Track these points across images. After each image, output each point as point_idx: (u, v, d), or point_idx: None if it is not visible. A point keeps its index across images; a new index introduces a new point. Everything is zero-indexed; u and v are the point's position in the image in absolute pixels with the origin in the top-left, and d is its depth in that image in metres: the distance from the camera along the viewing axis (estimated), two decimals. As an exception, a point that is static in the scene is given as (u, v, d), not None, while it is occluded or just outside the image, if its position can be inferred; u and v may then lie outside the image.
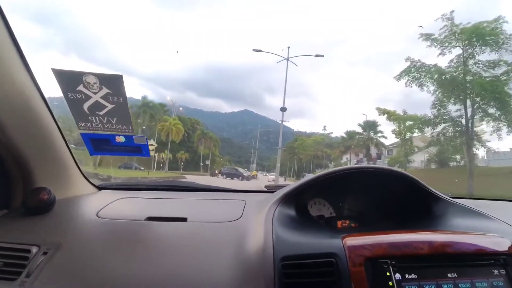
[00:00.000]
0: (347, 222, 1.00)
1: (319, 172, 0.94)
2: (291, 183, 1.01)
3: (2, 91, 0.69)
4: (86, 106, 0.78)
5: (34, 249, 0.68)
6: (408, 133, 19.78)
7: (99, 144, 0.89)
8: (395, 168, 0.97)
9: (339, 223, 0.99)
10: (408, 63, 13.94)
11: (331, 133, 43.74)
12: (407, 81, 14.18)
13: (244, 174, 25.99)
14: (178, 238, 0.76)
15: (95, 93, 0.75)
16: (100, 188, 1.16)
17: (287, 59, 20.05)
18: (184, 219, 0.85)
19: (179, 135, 30.31)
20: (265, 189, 1.24)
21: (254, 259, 0.65)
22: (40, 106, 0.81)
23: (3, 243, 0.69)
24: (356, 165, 0.91)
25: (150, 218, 0.85)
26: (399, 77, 14.41)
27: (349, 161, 32.48)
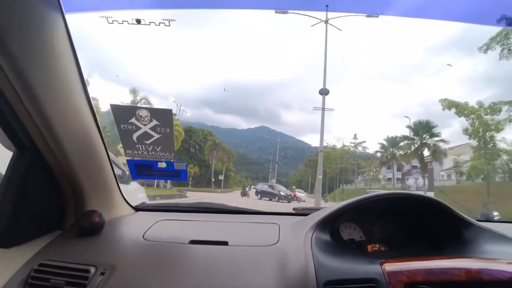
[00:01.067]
0: (377, 246, 1.02)
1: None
2: (326, 206, 1.05)
3: (68, 124, 0.79)
4: (135, 136, 0.87)
5: (92, 269, 0.74)
6: (490, 132, 14.29)
7: (142, 169, 0.98)
8: (424, 194, 0.99)
9: (369, 247, 1.02)
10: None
11: (364, 141, 38.22)
12: (503, 50, 10.53)
13: (282, 193, 19.39)
14: (221, 262, 0.79)
15: (145, 125, 0.84)
16: (137, 209, 1.23)
17: (326, 22, 16.54)
18: (225, 243, 0.89)
19: (178, 141, 26.66)
20: (295, 212, 1.27)
21: (296, 283, 0.68)
22: (95, 135, 0.90)
23: (63, 262, 0.76)
24: (388, 192, 0.95)
25: (193, 241, 0.90)
26: (486, 48, 11.14)
27: (393, 174, 27.75)
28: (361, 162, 35.31)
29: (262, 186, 21.80)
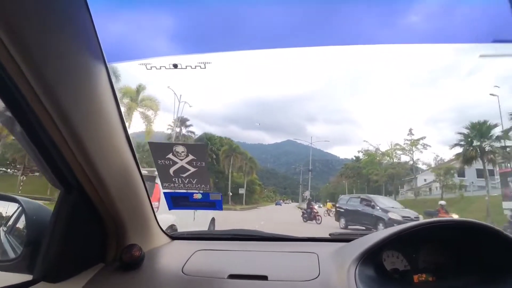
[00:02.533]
0: (424, 276, 0.93)
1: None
2: (364, 232, 0.98)
3: (110, 163, 0.82)
4: (172, 170, 0.89)
5: None
6: None
7: (178, 201, 0.99)
8: (476, 221, 0.90)
9: (415, 277, 0.93)
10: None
11: (423, 137, 29.94)
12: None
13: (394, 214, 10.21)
14: None
15: (181, 160, 0.85)
16: (173, 237, 1.24)
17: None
18: (264, 277, 0.86)
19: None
20: (331, 238, 1.21)
21: None
22: (134, 171, 0.93)
23: None
24: (440, 220, 0.87)
25: (232, 276, 0.88)
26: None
27: (486, 177, 17.87)
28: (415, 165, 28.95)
29: (350, 202, 12.28)
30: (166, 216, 3.63)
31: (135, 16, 0.75)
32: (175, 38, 0.78)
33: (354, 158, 41.00)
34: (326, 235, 1.26)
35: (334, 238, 1.19)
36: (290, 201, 55.09)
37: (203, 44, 0.80)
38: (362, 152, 37.09)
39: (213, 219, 6.23)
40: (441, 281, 0.91)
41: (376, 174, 31.86)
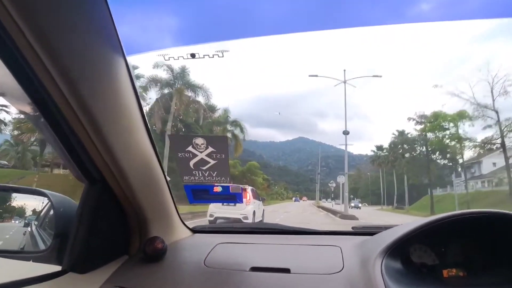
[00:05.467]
0: (454, 271, 0.89)
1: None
2: (388, 225, 0.96)
3: (131, 156, 0.84)
4: (192, 163, 0.89)
5: None
6: None
7: (198, 194, 1.00)
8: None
9: (445, 272, 0.89)
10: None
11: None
12: None
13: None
14: None
15: (201, 152, 0.86)
16: (194, 231, 1.26)
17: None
18: (287, 270, 0.85)
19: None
20: (354, 231, 1.19)
21: None
22: (155, 164, 0.94)
23: None
24: (470, 211, 0.83)
25: (254, 268, 0.88)
26: None
27: None
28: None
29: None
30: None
31: (152, 7, 0.76)
32: (190, 28, 0.78)
33: (395, 134, 30.21)
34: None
35: (356, 232, 1.17)
36: (306, 199, 53.89)
37: (219, 32, 0.79)
38: (415, 119, 24.41)
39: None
40: (472, 277, 0.86)
41: (450, 148, 21.97)
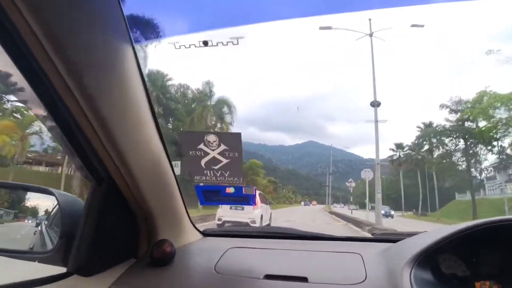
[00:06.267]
0: (487, 283, 0.81)
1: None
2: (411, 231, 0.88)
3: (140, 155, 0.80)
4: (203, 161, 0.85)
5: None
6: None
7: (210, 196, 0.95)
8: None
9: (477, 285, 0.82)
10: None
11: None
12: None
13: None
14: None
15: (213, 150, 0.81)
16: (205, 234, 1.21)
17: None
18: (304, 279, 0.80)
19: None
20: (374, 237, 1.12)
21: None
22: (165, 164, 0.90)
23: None
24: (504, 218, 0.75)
25: (268, 276, 0.82)
26: None
27: None
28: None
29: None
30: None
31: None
32: (202, 11, 0.73)
33: (420, 128, 24.83)
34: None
35: (377, 238, 1.10)
36: (316, 203, 52.80)
37: (233, 16, 0.74)
38: (448, 107, 20.00)
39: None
40: None
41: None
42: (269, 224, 8.72)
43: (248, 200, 0.94)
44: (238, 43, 0.66)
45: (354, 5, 0.80)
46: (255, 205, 8.24)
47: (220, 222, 7.97)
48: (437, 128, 23.44)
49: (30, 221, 1.12)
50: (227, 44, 0.67)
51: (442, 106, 20.97)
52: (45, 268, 0.89)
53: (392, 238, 1.04)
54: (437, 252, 0.79)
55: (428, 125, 24.69)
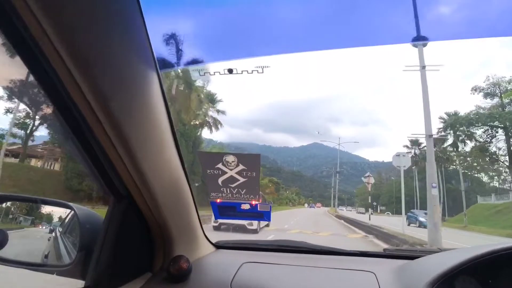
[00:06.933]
0: None
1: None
2: (427, 248, 0.87)
3: (160, 174, 0.81)
4: (220, 180, 0.86)
5: None
6: None
7: (224, 211, 0.96)
8: None
9: None
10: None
11: None
12: None
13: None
14: None
15: (231, 170, 0.82)
16: (217, 246, 1.22)
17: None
18: None
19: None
20: (387, 254, 1.11)
21: None
22: (183, 182, 0.91)
23: None
24: None
25: None
26: None
27: None
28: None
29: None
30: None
31: (187, 20, 0.73)
32: (227, 42, 0.75)
33: (443, 119, 20.65)
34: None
35: (390, 254, 1.09)
36: (320, 205, 51.86)
37: (258, 47, 0.76)
38: (483, 89, 16.10)
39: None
40: None
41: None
42: (267, 225, 8.86)
43: (263, 216, 0.95)
44: (263, 72, 0.67)
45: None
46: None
47: (216, 224, 8.09)
48: (470, 115, 18.88)
49: (44, 227, 1.14)
50: (252, 72, 0.68)
51: (474, 89, 17.01)
52: (63, 281, 0.91)
53: (405, 254, 1.03)
54: (455, 275, 0.78)
55: (452, 115, 21.01)
